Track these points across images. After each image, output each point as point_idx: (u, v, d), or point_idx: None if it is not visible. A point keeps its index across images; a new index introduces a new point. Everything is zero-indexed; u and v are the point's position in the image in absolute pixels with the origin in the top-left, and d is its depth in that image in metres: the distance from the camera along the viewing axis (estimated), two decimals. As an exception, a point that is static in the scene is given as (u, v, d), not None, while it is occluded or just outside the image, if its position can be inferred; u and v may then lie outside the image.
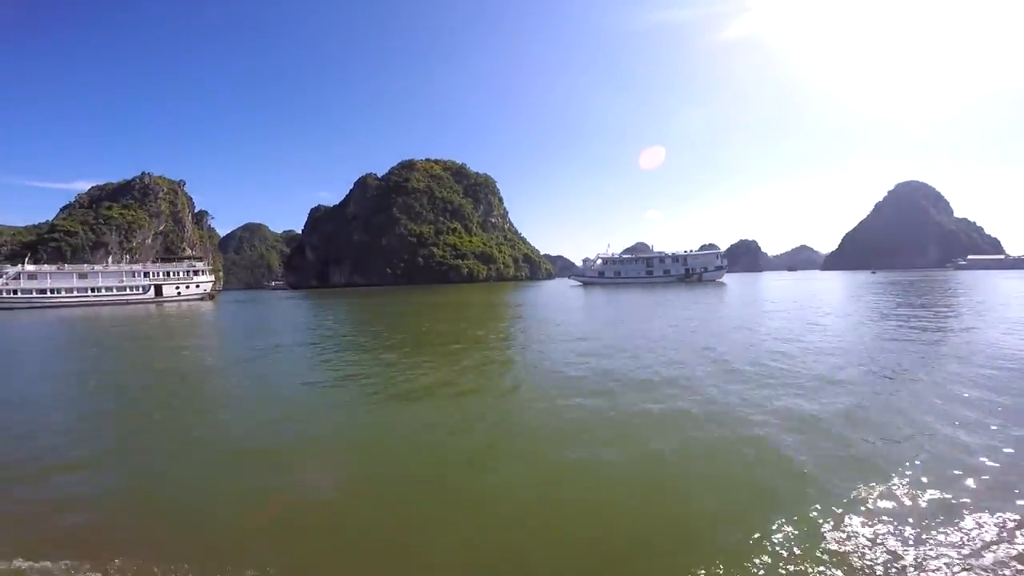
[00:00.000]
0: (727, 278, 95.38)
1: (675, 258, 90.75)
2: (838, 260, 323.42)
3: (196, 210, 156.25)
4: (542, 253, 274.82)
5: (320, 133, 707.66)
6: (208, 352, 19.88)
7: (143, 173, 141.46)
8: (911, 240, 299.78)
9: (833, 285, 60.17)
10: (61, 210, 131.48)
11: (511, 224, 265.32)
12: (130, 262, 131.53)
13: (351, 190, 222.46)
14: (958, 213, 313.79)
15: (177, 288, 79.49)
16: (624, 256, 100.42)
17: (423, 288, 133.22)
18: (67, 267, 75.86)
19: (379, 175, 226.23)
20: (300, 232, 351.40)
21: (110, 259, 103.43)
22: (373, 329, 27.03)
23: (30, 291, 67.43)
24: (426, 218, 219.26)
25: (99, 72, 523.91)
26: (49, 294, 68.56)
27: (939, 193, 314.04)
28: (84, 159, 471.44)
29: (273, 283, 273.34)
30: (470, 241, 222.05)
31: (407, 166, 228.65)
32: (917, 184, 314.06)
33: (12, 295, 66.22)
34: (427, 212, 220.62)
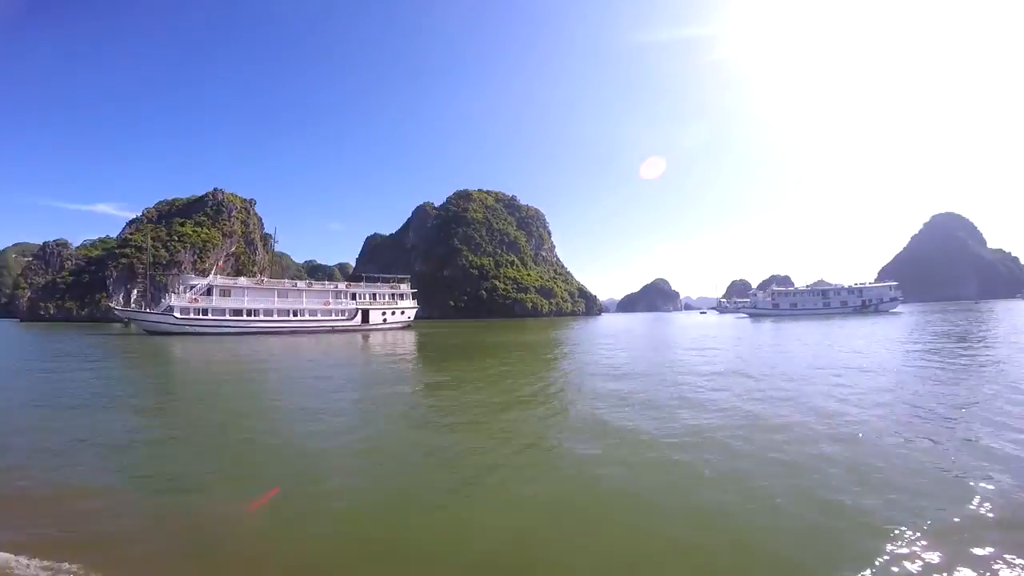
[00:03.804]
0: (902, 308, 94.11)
1: (851, 290, 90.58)
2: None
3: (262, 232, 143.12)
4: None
5: (327, 164, 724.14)
6: None
7: (215, 189, 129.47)
8: (951, 272, 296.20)
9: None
10: (128, 224, 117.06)
11: (558, 258, 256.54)
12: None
13: (409, 219, 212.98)
14: (990, 244, 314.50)
15: (384, 315, 66.24)
16: (801, 288, 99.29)
17: (502, 322, 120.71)
18: (266, 281, 60.31)
19: (436, 204, 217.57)
20: (321, 262, 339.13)
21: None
22: None
23: (222, 311, 52.61)
24: (485, 250, 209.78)
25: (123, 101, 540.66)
26: (247, 317, 53.69)
27: (973, 224, 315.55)
28: (102, 183, 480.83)
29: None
30: (528, 275, 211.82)
31: (464, 196, 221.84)
32: (952, 215, 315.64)
33: (201, 316, 51.04)
34: (486, 244, 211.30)
